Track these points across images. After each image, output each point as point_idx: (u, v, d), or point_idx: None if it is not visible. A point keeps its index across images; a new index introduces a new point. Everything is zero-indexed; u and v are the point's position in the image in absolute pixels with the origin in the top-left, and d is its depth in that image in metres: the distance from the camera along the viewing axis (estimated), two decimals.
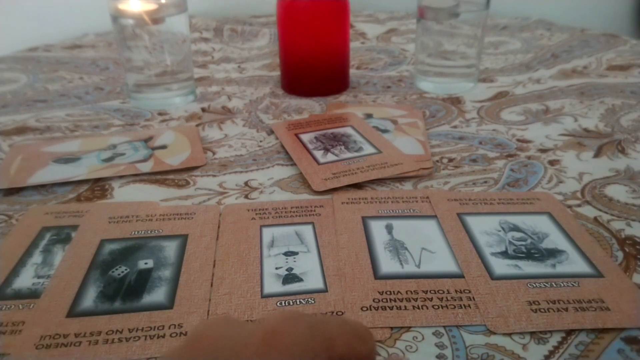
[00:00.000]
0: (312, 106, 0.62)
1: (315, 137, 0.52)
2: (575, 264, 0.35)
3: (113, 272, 0.35)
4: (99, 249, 0.37)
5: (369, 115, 0.58)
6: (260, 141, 0.53)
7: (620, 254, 0.36)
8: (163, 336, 0.30)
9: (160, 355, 0.28)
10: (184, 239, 0.38)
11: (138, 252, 0.37)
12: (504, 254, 0.36)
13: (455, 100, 0.62)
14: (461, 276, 0.34)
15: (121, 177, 0.47)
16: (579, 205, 0.41)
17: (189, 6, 0.60)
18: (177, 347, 0.18)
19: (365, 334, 0.20)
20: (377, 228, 0.39)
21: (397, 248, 0.37)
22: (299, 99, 0.64)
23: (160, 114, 0.60)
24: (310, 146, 0.50)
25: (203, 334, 0.18)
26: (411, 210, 0.41)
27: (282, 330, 0.18)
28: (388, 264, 0.35)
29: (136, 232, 0.39)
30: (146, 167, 0.48)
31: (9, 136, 0.55)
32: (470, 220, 0.39)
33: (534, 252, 0.36)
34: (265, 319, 0.18)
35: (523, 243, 0.37)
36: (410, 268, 0.35)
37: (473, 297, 0.32)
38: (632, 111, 0.58)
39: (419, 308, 0.31)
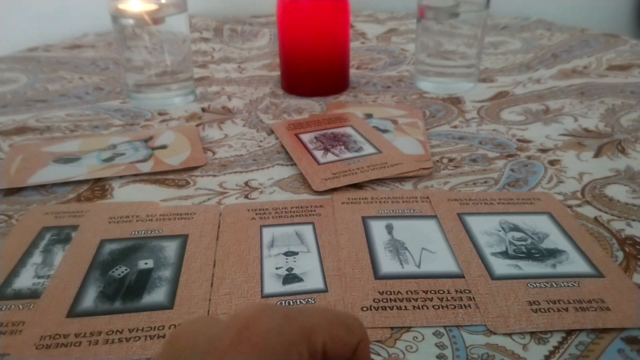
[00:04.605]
0: (312, 106, 0.62)
1: (315, 137, 0.52)
2: (575, 264, 0.35)
3: (113, 272, 0.35)
4: (99, 249, 0.37)
5: (369, 115, 0.58)
6: (260, 141, 0.53)
7: (620, 254, 0.36)
8: (163, 336, 0.30)
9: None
10: (184, 239, 0.38)
11: (138, 252, 0.37)
12: (504, 254, 0.36)
13: (455, 100, 0.62)
14: (461, 276, 0.34)
15: (121, 177, 0.47)
16: (579, 205, 0.41)
17: (189, 6, 0.60)
18: (159, 349, 0.18)
19: (353, 323, 0.19)
20: (377, 228, 0.39)
21: (397, 248, 0.37)
22: (299, 99, 0.64)
23: (160, 114, 0.60)
24: (310, 146, 0.50)
25: (181, 333, 0.18)
26: (411, 210, 0.41)
27: (256, 321, 0.17)
28: (388, 264, 0.35)
29: (136, 232, 0.39)
30: (146, 167, 0.48)
31: (9, 136, 0.55)
32: (471, 220, 0.39)
33: (534, 252, 0.36)
34: (240, 312, 0.18)
35: (523, 243, 0.37)
36: (410, 268, 0.35)
37: (473, 297, 0.32)
38: (632, 111, 0.58)
39: (419, 308, 0.31)
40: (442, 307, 0.31)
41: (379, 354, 0.29)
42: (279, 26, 0.62)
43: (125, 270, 0.35)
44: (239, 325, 0.17)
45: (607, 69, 0.70)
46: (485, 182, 0.45)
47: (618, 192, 0.43)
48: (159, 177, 0.47)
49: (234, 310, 0.31)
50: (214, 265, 0.35)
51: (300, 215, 0.40)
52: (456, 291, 0.33)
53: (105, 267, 0.35)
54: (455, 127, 0.56)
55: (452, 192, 0.43)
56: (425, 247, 0.37)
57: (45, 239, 0.38)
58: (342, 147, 0.50)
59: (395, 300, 0.32)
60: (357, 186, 0.44)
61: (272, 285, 0.33)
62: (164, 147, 0.51)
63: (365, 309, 0.31)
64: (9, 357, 0.28)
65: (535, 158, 0.49)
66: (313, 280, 0.34)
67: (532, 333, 0.30)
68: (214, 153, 0.51)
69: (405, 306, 0.31)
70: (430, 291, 0.33)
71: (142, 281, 0.34)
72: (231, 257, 0.36)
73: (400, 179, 0.46)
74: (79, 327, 0.30)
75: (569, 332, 0.30)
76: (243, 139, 0.54)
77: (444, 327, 0.30)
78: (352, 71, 0.72)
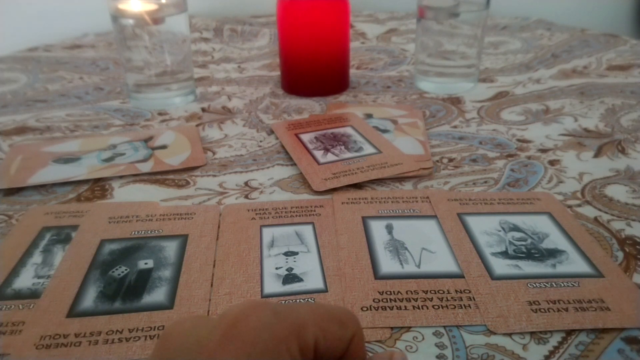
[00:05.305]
0: (312, 106, 0.62)
1: (315, 137, 0.52)
2: (575, 264, 0.35)
3: (113, 272, 0.35)
4: (99, 249, 0.37)
5: (369, 115, 0.58)
6: (260, 141, 0.53)
7: (620, 254, 0.36)
8: None
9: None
10: (184, 239, 0.38)
11: (138, 252, 0.37)
12: (504, 254, 0.36)
13: (455, 100, 0.62)
14: (461, 276, 0.34)
15: (121, 177, 0.47)
16: (579, 205, 0.41)
17: (189, 6, 0.60)
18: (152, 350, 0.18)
19: (346, 317, 0.19)
20: (377, 228, 0.39)
21: (397, 248, 0.37)
22: (299, 99, 0.64)
23: (160, 114, 0.60)
24: (310, 146, 0.50)
25: (171, 333, 0.18)
26: (411, 210, 0.41)
27: (244, 319, 0.17)
28: (388, 264, 0.35)
29: (136, 232, 0.39)
30: (146, 167, 0.48)
31: (9, 136, 0.55)
32: (471, 220, 0.39)
33: (534, 252, 0.36)
34: (228, 310, 0.18)
35: (523, 243, 0.37)
36: (410, 268, 0.35)
37: (473, 297, 0.32)
38: (632, 111, 0.58)
39: (419, 308, 0.31)
40: (442, 307, 0.31)
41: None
42: (279, 26, 0.62)
43: (125, 270, 0.35)
44: (227, 324, 0.17)
45: (607, 69, 0.70)
46: (485, 182, 0.45)
47: (618, 192, 0.43)
48: (159, 177, 0.47)
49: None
50: (214, 265, 0.35)
51: (300, 215, 0.40)
52: (456, 291, 0.33)
53: (105, 267, 0.35)
54: (455, 127, 0.56)
55: (452, 192, 0.43)
56: (425, 247, 0.37)
57: (45, 239, 0.38)
58: (342, 147, 0.50)
59: (395, 300, 0.32)
60: (357, 186, 0.44)
61: (272, 285, 0.33)
62: (164, 147, 0.51)
63: (365, 309, 0.31)
64: (9, 357, 0.28)
65: (535, 158, 0.49)
66: (313, 280, 0.34)
67: (532, 333, 0.30)
68: (214, 153, 0.51)
69: (405, 306, 0.31)
70: (430, 291, 0.33)
71: (142, 281, 0.34)
72: (231, 257, 0.36)
73: (400, 179, 0.46)
74: (79, 327, 0.30)
75: (569, 332, 0.30)
76: (243, 139, 0.54)
77: (444, 327, 0.30)
78: (352, 71, 0.72)
